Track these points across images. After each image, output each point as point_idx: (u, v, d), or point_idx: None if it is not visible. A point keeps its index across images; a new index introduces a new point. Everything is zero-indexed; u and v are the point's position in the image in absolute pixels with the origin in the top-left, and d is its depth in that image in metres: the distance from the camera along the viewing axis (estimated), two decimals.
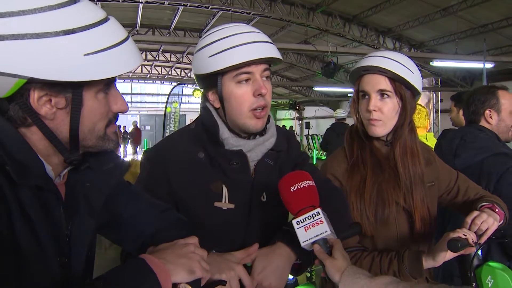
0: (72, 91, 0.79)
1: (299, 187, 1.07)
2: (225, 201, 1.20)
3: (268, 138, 1.26)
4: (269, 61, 1.19)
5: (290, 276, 1.17)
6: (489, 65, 10.18)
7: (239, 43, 1.13)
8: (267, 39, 1.19)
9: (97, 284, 0.75)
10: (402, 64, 1.37)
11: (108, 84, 0.85)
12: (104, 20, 0.80)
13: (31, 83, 0.74)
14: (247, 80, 1.17)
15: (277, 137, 1.30)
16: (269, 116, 1.27)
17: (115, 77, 0.83)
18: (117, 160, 0.99)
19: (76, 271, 0.91)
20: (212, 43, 1.16)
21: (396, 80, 1.38)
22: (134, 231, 1.08)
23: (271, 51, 1.17)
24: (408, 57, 1.44)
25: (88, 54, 0.75)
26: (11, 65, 0.71)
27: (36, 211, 0.79)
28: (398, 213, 1.42)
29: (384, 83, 1.38)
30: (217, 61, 1.14)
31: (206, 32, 1.23)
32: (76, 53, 0.74)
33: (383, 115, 1.39)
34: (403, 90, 1.39)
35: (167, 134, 12.04)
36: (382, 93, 1.39)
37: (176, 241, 0.96)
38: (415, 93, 1.43)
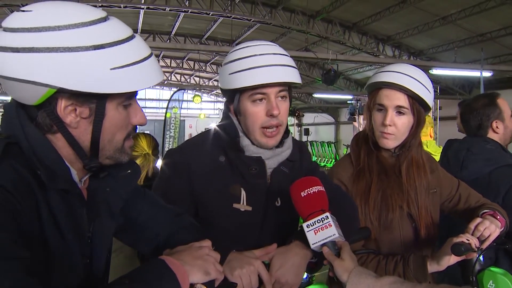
0: (96, 102, 0.84)
1: (309, 192, 1.13)
2: (243, 203, 1.26)
3: (285, 150, 1.33)
4: (286, 83, 1.23)
5: (304, 275, 1.21)
6: (487, 74, 10.24)
7: (256, 65, 1.19)
8: (287, 61, 1.23)
9: (123, 282, 0.79)
10: (421, 83, 1.42)
11: (129, 97, 0.89)
12: (131, 37, 0.85)
13: (60, 92, 0.79)
14: (261, 99, 1.22)
15: (292, 148, 1.36)
16: (288, 130, 1.33)
17: (137, 91, 0.88)
18: (134, 167, 1.03)
19: (97, 272, 0.95)
20: (233, 61, 1.22)
21: (414, 98, 1.42)
22: (149, 234, 1.12)
23: (287, 75, 1.21)
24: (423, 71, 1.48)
25: (114, 68, 0.80)
26: (44, 75, 0.76)
27: (64, 213, 0.84)
28: (402, 218, 1.47)
29: (403, 100, 1.42)
30: (235, 80, 1.21)
31: (235, 46, 1.29)
32: (103, 67, 0.79)
33: (397, 130, 1.44)
34: (418, 107, 1.44)
35: (167, 139, 12.14)
36: (399, 109, 1.43)
37: (192, 244, 1.00)
38: (426, 109, 1.48)
